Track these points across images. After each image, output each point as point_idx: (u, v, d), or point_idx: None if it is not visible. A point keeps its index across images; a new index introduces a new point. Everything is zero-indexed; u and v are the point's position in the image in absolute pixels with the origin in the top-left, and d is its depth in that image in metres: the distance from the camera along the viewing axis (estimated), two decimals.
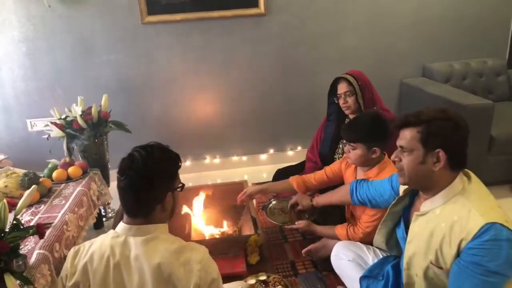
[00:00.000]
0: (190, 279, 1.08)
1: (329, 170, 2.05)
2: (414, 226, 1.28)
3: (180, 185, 1.23)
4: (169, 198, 1.18)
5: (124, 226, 1.15)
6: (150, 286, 1.06)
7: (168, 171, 1.18)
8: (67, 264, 1.18)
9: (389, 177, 1.56)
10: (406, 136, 1.22)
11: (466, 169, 1.26)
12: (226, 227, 2.19)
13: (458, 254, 1.12)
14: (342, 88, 2.15)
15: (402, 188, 1.41)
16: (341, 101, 2.16)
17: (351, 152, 1.79)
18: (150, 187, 1.12)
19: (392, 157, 1.29)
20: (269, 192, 2.27)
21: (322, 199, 1.98)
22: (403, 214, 1.38)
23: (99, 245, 1.15)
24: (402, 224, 1.38)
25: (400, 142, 1.24)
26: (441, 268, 1.18)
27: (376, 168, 1.78)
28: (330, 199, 1.94)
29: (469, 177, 1.24)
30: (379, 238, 1.51)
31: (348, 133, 1.80)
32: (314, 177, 2.07)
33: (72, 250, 1.19)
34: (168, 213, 1.20)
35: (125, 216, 1.17)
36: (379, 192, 1.60)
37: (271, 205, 2.24)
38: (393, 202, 1.41)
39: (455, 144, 1.19)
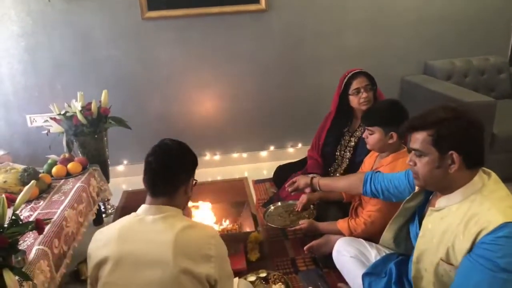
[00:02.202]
0: (207, 251, 1.16)
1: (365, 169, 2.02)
2: (428, 221, 1.27)
3: (196, 179, 1.37)
4: (191, 184, 1.32)
5: (145, 207, 1.25)
6: (169, 258, 1.11)
7: (193, 160, 1.34)
8: (90, 244, 1.24)
9: (405, 171, 1.55)
10: (418, 140, 1.20)
11: (486, 168, 1.24)
12: (226, 224, 2.19)
13: (471, 249, 1.12)
14: (362, 81, 2.12)
15: None
16: (362, 95, 2.10)
17: (369, 137, 1.81)
18: (180, 169, 1.28)
19: (407, 161, 1.29)
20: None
21: (325, 182, 1.94)
22: (418, 211, 1.37)
23: (119, 224, 1.23)
24: (416, 221, 1.37)
25: (413, 145, 1.23)
26: (451, 264, 1.17)
27: (391, 156, 1.78)
28: (336, 184, 1.91)
29: (489, 175, 1.22)
30: (387, 235, 1.50)
31: (367, 118, 1.84)
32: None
33: (97, 231, 1.27)
34: (187, 198, 1.33)
35: (147, 198, 1.26)
36: (394, 184, 1.59)
37: (268, 211, 2.20)
38: (407, 198, 1.39)
39: (469, 143, 1.16)
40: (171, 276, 1.10)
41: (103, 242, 1.20)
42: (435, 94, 2.74)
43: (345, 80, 2.18)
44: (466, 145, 1.16)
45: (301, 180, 2.00)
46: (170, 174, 1.26)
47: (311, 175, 2.03)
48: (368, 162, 1.96)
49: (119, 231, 1.20)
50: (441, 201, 1.24)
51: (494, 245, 1.07)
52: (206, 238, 1.19)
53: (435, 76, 3.06)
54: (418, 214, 1.37)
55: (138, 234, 1.18)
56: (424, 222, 1.28)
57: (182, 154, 1.30)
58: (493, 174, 1.22)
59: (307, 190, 2.05)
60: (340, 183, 1.89)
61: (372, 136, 1.79)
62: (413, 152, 1.24)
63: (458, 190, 1.19)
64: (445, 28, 3.11)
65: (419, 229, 1.32)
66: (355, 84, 2.13)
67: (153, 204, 1.24)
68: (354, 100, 2.15)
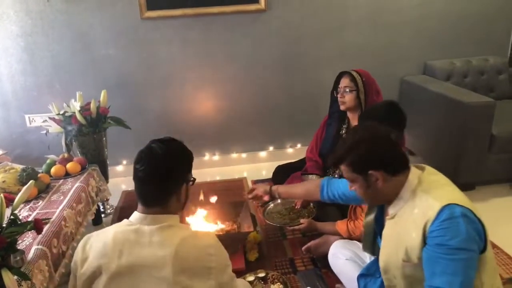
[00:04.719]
0: (208, 263, 1.12)
1: None
2: (385, 231, 1.30)
3: (192, 178, 1.29)
4: (184, 189, 1.24)
5: (139, 215, 1.18)
6: (169, 275, 1.07)
7: (184, 163, 1.24)
8: (77, 252, 1.18)
9: None
10: (344, 170, 1.27)
11: (418, 164, 1.30)
12: (225, 224, 2.18)
13: (424, 242, 1.15)
14: (343, 82, 2.15)
15: None
16: (339, 96, 2.16)
17: None
18: (168, 177, 1.18)
19: (348, 187, 1.35)
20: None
21: (283, 190, 1.93)
22: (377, 224, 1.39)
23: (112, 233, 1.15)
24: (378, 235, 1.39)
25: (345, 175, 1.30)
26: (412, 262, 1.19)
27: None
28: (294, 192, 1.92)
29: (423, 169, 1.27)
30: (365, 250, 1.51)
31: (364, 119, 1.81)
32: None
33: (84, 239, 1.20)
34: (181, 204, 1.26)
35: (139, 206, 1.19)
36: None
37: (268, 208, 2.21)
38: (365, 212, 1.43)
39: (380, 156, 1.21)
40: None
41: (96, 253, 1.13)
42: (434, 95, 2.75)
43: (336, 78, 2.23)
44: (378, 160, 1.21)
45: (260, 187, 1.96)
46: (159, 183, 1.17)
47: (268, 185, 1.97)
48: None
49: (114, 242, 1.12)
50: (390, 209, 1.28)
51: (441, 230, 1.10)
52: (205, 249, 1.14)
53: (434, 76, 3.06)
54: (379, 227, 1.39)
55: (135, 247, 1.11)
56: (383, 233, 1.31)
57: (171, 158, 1.19)
58: (427, 167, 1.28)
59: (266, 197, 1.99)
60: (298, 190, 1.90)
61: None
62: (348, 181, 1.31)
63: (399, 195, 1.24)
64: (445, 28, 3.12)
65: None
66: (340, 84, 2.17)
67: (146, 214, 1.17)
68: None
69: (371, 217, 1.40)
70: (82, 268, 1.14)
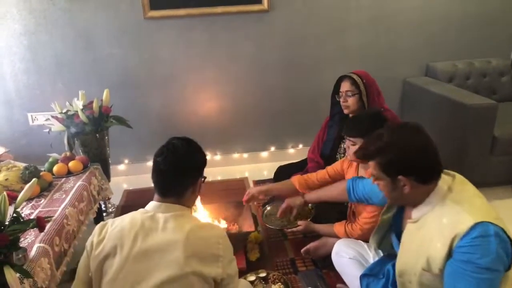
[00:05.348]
0: (216, 250, 1.19)
1: (331, 169, 2.04)
2: (406, 233, 1.28)
3: (204, 176, 1.37)
4: (199, 184, 1.33)
5: (155, 204, 1.26)
6: (180, 258, 1.13)
7: (201, 159, 1.34)
8: (94, 234, 1.24)
9: None
10: (371, 166, 1.24)
11: (448, 170, 1.26)
12: (226, 224, 2.19)
13: (450, 255, 1.12)
14: (344, 86, 2.14)
15: None
16: (341, 100, 2.15)
17: (351, 148, 1.79)
18: (188, 169, 1.28)
19: (372, 181, 1.31)
20: (272, 193, 2.20)
21: (313, 196, 1.95)
22: (394, 221, 1.38)
23: (129, 218, 1.23)
24: (394, 232, 1.38)
25: (371, 169, 1.26)
26: (433, 273, 1.17)
27: None
28: (323, 196, 1.92)
29: (453, 177, 1.23)
30: (372, 243, 1.51)
31: (349, 129, 1.81)
32: (317, 176, 2.06)
33: (100, 224, 1.27)
34: (195, 197, 1.34)
35: (156, 196, 1.27)
36: (375, 191, 1.59)
37: (266, 211, 2.20)
38: (383, 210, 1.41)
39: (414, 165, 1.16)
40: (181, 276, 1.12)
41: (113, 235, 1.19)
42: (437, 96, 2.74)
43: (336, 82, 2.22)
44: (412, 167, 1.16)
45: (296, 201, 1.98)
46: (178, 175, 1.26)
47: (301, 197, 2.00)
48: (350, 173, 1.92)
49: (130, 226, 1.19)
50: (414, 213, 1.25)
51: (471, 246, 1.07)
52: (215, 238, 1.21)
53: (437, 78, 3.06)
54: (395, 224, 1.38)
55: (149, 233, 1.18)
56: (403, 235, 1.29)
57: (190, 154, 1.29)
58: (457, 175, 1.24)
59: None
60: (327, 195, 1.90)
61: (354, 147, 1.75)
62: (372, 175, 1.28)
63: (426, 200, 1.20)
64: (447, 30, 3.11)
65: (398, 239, 1.33)
66: (340, 87, 2.16)
67: (162, 202, 1.25)
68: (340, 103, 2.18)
69: (389, 215, 1.38)
70: (97, 249, 1.19)
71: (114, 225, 1.23)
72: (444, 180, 1.20)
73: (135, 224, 1.20)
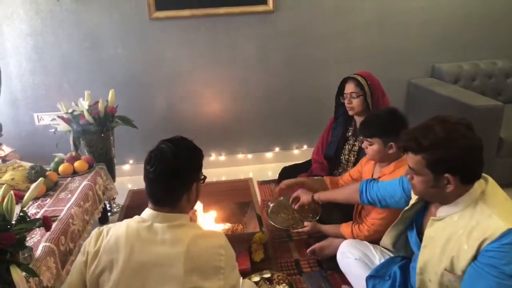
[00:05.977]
0: (217, 263, 1.13)
1: (354, 170, 2.05)
2: (430, 231, 1.25)
3: (203, 176, 1.28)
4: (194, 189, 1.23)
5: (151, 212, 1.18)
6: (180, 273, 1.09)
7: (194, 163, 1.24)
8: (90, 242, 1.19)
9: (399, 178, 1.54)
10: (413, 160, 1.18)
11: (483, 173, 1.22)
12: (231, 224, 2.18)
13: (475, 257, 1.10)
14: (349, 88, 2.13)
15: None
16: (346, 101, 2.14)
17: (369, 148, 1.78)
18: (178, 177, 1.18)
19: (404, 173, 1.27)
20: (304, 186, 2.15)
21: (325, 195, 1.95)
22: (416, 218, 1.36)
23: (124, 227, 1.17)
24: (414, 229, 1.36)
25: (409, 163, 1.21)
26: (455, 274, 1.16)
27: (392, 165, 1.75)
28: (334, 196, 1.91)
29: (486, 180, 1.20)
30: (387, 240, 1.49)
31: (365, 129, 1.80)
32: (342, 178, 2.09)
33: (96, 231, 1.21)
34: (192, 203, 1.26)
35: (150, 204, 1.20)
36: (390, 193, 1.58)
37: (269, 209, 2.18)
38: (406, 208, 1.38)
39: (465, 163, 1.13)
40: None
41: (109, 247, 1.14)
42: (442, 98, 2.73)
43: (340, 84, 2.21)
44: (462, 167, 1.13)
45: (304, 196, 2.01)
46: (169, 184, 1.17)
47: (311, 193, 2.01)
48: (367, 170, 1.93)
49: (126, 237, 1.13)
50: (441, 211, 1.22)
51: (499, 252, 1.06)
52: (215, 249, 1.15)
53: (442, 79, 3.05)
54: (416, 221, 1.36)
55: (147, 245, 1.13)
56: (426, 232, 1.27)
57: (181, 160, 1.17)
58: (490, 179, 1.21)
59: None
60: (339, 195, 1.89)
61: (372, 147, 1.75)
62: (409, 168, 1.23)
63: (458, 200, 1.18)
64: (452, 31, 3.10)
65: (418, 237, 1.31)
66: (345, 89, 2.16)
67: (158, 211, 1.18)
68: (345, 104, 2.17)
69: (413, 211, 1.35)
70: (92, 265, 1.15)
71: (109, 235, 1.17)
72: (479, 182, 1.17)
73: (131, 234, 1.14)
